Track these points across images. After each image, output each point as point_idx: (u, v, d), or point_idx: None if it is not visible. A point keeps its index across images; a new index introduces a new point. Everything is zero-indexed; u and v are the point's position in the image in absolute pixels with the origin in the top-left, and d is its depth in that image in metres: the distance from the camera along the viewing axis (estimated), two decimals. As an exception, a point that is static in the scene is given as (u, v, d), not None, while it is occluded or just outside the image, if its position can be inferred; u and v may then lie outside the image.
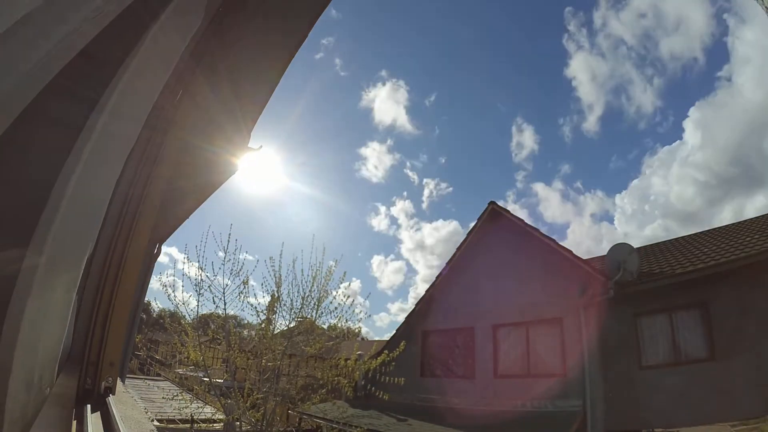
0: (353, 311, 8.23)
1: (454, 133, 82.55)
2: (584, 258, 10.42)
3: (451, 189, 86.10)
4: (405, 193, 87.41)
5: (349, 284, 8.36)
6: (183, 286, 7.55)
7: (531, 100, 75.26)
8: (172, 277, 7.42)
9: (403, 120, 77.88)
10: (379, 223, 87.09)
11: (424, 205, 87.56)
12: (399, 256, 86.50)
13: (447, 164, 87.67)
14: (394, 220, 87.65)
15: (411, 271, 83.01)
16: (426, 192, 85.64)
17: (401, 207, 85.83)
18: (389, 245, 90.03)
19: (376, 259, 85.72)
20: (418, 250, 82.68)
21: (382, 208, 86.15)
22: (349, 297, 8.23)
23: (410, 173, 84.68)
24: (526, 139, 77.83)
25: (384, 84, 74.52)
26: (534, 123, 76.65)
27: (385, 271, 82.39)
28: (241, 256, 7.74)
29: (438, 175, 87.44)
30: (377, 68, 74.71)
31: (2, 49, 0.57)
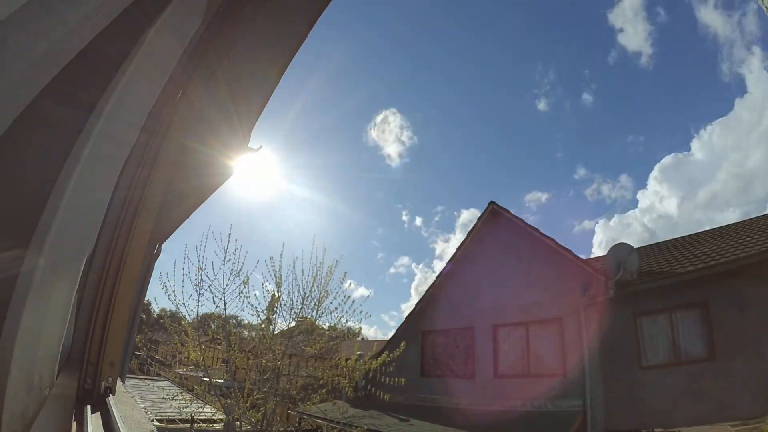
0: (353, 311, 8.26)
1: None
2: (584, 258, 10.42)
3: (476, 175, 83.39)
4: (416, 193, 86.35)
5: (350, 284, 8.35)
6: (183, 286, 7.56)
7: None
8: (172, 277, 7.43)
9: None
10: (396, 221, 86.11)
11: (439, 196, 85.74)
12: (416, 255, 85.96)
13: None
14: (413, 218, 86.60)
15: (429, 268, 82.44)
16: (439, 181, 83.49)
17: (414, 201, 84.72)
18: (407, 244, 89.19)
19: (398, 259, 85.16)
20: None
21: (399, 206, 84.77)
22: (349, 297, 8.25)
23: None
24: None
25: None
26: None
27: (400, 269, 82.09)
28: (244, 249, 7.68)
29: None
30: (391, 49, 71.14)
31: (1, 51, 0.57)
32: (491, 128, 77.44)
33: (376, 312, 79.18)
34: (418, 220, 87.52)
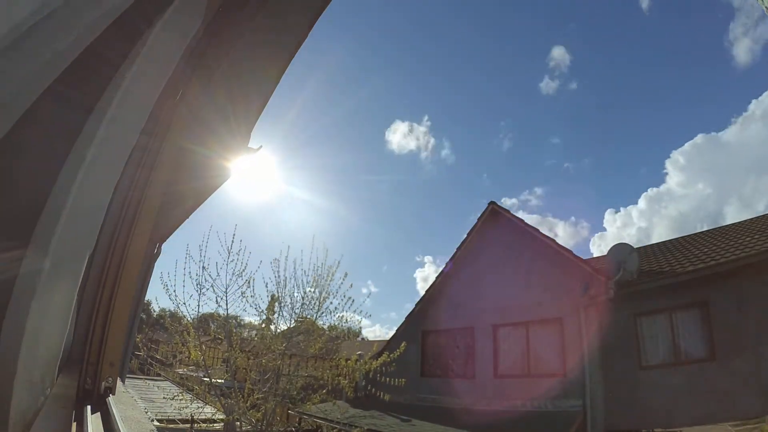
0: (354, 310, 8.27)
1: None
2: (584, 258, 10.43)
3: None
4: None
5: (351, 285, 8.36)
6: (184, 286, 7.57)
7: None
8: (173, 277, 7.43)
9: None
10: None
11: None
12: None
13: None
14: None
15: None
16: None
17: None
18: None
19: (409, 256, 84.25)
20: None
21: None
22: (350, 298, 8.27)
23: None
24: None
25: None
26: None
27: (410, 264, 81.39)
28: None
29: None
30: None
31: (3, 55, 0.58)
32: (501, 121, 76.02)
33: (385, 309, 78.79)
34: (430, 217, 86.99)
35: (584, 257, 10.78)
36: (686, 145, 65.43)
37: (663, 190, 69.22)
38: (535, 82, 67.49)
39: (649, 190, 70.06)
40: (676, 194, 68.69)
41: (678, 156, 64.35)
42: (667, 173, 67.26)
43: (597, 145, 71.09)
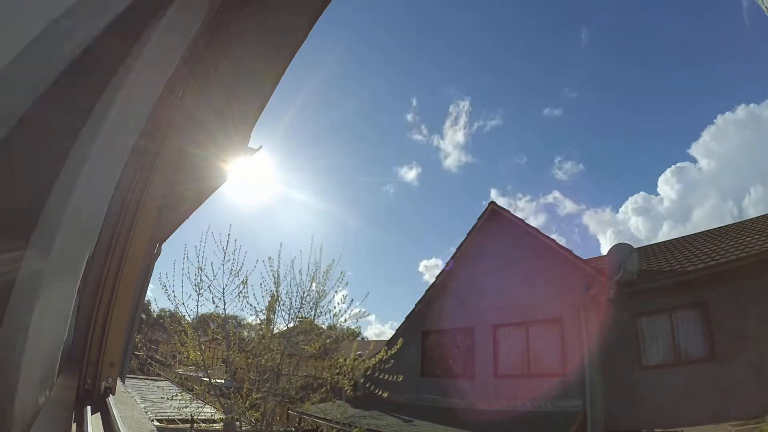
0: (351, 311, 8.26)
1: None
2: (584, 258, 10.43)
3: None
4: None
5: (348, 282, 8.35)
6: (183, 286, 7.55)
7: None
8: (172, 277, 7.42)
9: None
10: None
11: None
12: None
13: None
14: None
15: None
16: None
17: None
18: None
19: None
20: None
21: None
22: (346, 296, 8.26)
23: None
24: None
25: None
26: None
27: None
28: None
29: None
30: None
31: (2, 57, 0.58)
32: (513, 121, 74.96)
33: (387, 308, 78.61)
34: (432, 216, 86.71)
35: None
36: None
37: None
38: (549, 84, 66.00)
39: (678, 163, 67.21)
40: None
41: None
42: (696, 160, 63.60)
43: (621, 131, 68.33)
